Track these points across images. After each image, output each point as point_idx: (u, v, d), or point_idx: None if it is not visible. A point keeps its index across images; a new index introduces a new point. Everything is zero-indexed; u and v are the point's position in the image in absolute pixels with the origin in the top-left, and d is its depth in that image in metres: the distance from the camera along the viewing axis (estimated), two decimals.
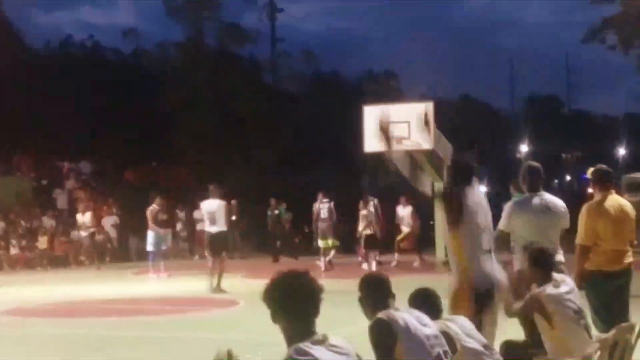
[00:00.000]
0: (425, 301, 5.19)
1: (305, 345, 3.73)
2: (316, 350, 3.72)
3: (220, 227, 16.60)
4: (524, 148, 55.16)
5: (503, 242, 7.15)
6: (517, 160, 54.02)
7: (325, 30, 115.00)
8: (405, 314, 4.74)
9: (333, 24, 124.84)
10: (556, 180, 61.91)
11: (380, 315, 4.74)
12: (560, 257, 7.24)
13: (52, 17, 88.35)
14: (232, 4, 71.01)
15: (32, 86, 37.19)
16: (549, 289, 6.15)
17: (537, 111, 62.69)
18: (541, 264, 6.35)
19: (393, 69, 53.17)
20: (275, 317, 3.90)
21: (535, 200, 7.21)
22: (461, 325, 5.12)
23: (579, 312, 6.13)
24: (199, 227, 28.67)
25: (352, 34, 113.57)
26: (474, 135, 49.50)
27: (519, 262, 7.08)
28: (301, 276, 3.93)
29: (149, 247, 21.18)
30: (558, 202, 7.36)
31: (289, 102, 44.53)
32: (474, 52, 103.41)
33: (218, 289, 16.33)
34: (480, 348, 4.95)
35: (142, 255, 27.94)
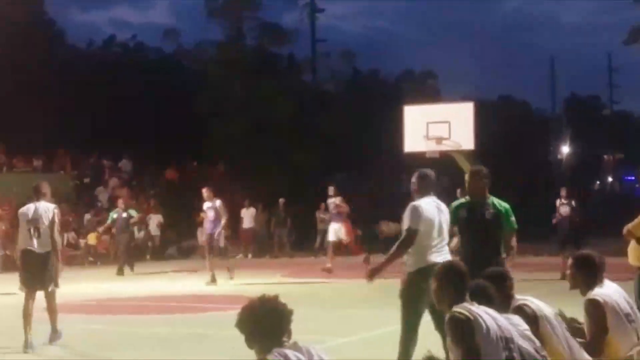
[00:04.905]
0: (481, 293, 5.09)
1: (281, 350, 3.95)
2: (290, 354, 3.94)
3: (44, 246, 10.32)
4: (565, 149, 54.59)
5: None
6: (558, 161, 53.50)
7: (363, 30, 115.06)
8: (482, 312, 4.64)
9: (371, 24, 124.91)
10: (597, 182, 61.15)
11: (460, 310, 4.61)
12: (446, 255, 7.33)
13: (88, 16, 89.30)
14: (273, 4, 71.40)
15: (75, 85, 37.64)
16: (598, 290, 6.03)
17: (578, 112, 61.97)
18: (586, 269, 6.16)
19: (432, 69, 52.98)
20: (249, 342, 4.10)
21: (432, 202, 7.57)
22: (517, 324, 4.97)
23: (628, 315, 6.03)
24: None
25: (390, 34, 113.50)
26: (514, 135, 49.08)
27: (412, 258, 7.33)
28: (271, 301, 4.13)
29: None
30: (442, 204, 7.74)
31: (327, 101, 44.43)
32: (514, 52, 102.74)
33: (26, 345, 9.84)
34: (533, 351, 4.78)
35: (183, 253, 28.19)
